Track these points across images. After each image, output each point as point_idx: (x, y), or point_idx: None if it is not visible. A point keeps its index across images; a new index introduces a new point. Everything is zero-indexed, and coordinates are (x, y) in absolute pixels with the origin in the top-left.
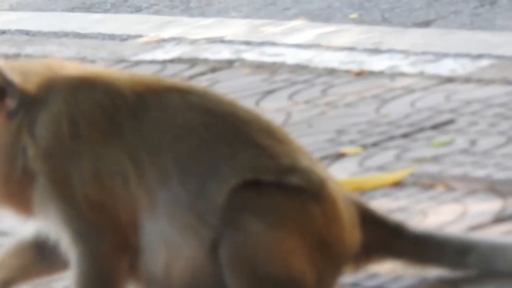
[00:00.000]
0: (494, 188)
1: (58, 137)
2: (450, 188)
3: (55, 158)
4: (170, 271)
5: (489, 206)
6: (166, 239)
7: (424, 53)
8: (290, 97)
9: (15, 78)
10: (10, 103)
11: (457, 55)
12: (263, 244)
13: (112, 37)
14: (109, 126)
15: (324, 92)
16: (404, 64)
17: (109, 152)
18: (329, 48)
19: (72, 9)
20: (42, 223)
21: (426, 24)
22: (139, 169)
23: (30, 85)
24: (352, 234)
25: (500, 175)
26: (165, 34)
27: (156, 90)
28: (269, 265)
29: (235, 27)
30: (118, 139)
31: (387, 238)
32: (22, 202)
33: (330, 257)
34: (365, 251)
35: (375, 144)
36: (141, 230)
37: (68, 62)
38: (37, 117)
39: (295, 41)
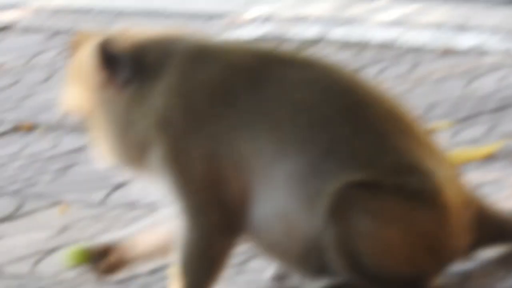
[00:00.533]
0: None
1: (176, 109)
2: None
3: (174, 130)
4: (285, 243)
5: None
6: (283, 212)
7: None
8: (378, 74)
9: (129, 47)
10: (123, 72)
11: None
12: (367, 241)
13: (196, 16)
14: (226, 100)
15: (411, 69)
16: (491, 42)
17: (226, 128)
18: (415, 26)
19: None
20: (158, 187)
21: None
22: (257, 144)
23: (147, 54)
24: (461, 238)
25: None
26: (251, 13)
27: (274, 63)
28: (370, 261)
29: (321, 5)
30: (235, 113)
31: (500, 230)
32: (139, 166)
33: (434, 259)
34: (476, 244)
35: (465, 119)
36: (256, 205)
37: (186, 32)
38: (154, 88)
39: (381, 19)
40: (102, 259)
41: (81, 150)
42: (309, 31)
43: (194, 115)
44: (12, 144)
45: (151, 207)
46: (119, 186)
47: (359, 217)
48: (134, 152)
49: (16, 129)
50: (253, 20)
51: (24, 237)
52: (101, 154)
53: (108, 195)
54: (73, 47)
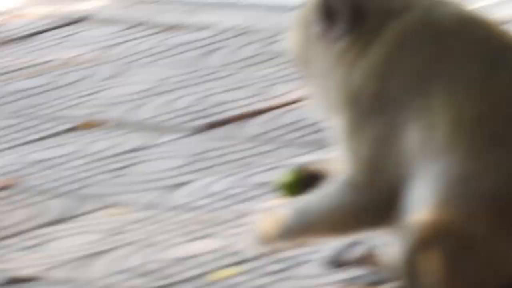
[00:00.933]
0: None
1: (369, 90)
2: None
3: (359, 106)
4: None
5: None
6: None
7: None
8: None
9: (348, 8)
10: (339, 28)
11: None
12: None
13: (274, 8)
14: (419, 89)
15: None
16: None
17: (408, 117)
18: None
19: None
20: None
21: None
22: (429, 134)
23: (371, 14)
24: None
25: None
26: None
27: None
28: None
29: None
30: (422, 102)
31: None
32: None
33: None
34: None
35: None
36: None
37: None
38: (362, 55)
39: None
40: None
41: (142, 149)
42: None
43: (384, 100)
44: (73, 143)
45: (204, 209)
46: (174, 188)
47: None
48: (329, 109)
49: (80, 127)
50: None
51: (75, 239)
52: (311, 103)
53: (162, 196)
54: None
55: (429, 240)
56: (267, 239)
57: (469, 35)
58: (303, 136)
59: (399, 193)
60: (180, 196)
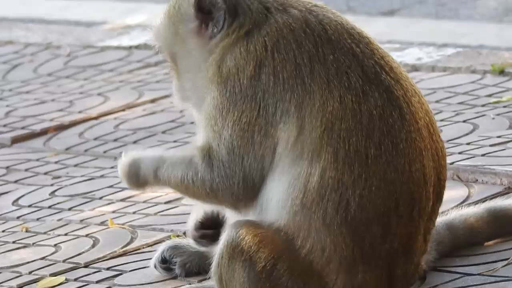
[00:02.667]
0: (459, 175)
1: (240, 73)
2: None
3: (226, 88)
4: None
5: (454, 193)
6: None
7: (389, 41)
8: None
9: (226, 2)
10: (215, 27)
11: (422, 44)
12: None
13: (78, 23)
14: (291, 81)
15: None
16: None
17: (274, 106)
18: None
19: None
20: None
21: (391, 13)
22: (301, 131)
23: (241, 14)
24: None
25: (465, 163)
26: (131, 21)
27: None
28: None
29: None
30: (296, 94)
31: None
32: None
33: None
34: None
35: None
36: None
37: (298, 0)
38: (233, 47)
39: None
40: None
41: None
42: None
43: (257, 87)
44: None
45: (26, 218)
46: None
47: None
48: (198, 96)
49: None
50: (133, 28)
51: None
52: (176, 92)
53: None
54: None
55: (241, 248)
56: (128, 183)
57: (349, 46)
58: (111, 149)
59: (254, 184)
60: (1, 206)
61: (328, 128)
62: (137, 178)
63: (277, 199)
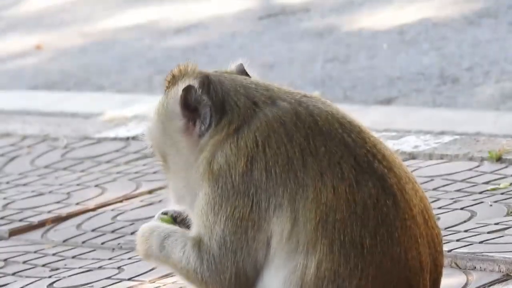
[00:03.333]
0: (457, 263)
1: (231, 170)
2: None
3: (217, 185)
4: None
5: (452, 281)
6: None
7: (386, 130)
8: None
9: (212, 99)
10: (202, 124)
11: (419, 132)
12: None
13: (75, 115)
14: (284, 176)
15: None
16: None
17: (267, 201)
18: None
19: (35, 87)
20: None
21: (388, 101)
22: (295, 227)
23: (229, 111)
24: None
25: (463, 250)
26: (128, 112)
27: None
28: None
29: None
30: (289, 188)
31: None
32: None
33: None
34: None
35: None
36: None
37: (287, 92)
38: (223, 144)
39: None
40: None
41: None
42: None
43: (250, 182)
44: None
45: None
46: None
47: None
48: (191, 193)
49: None
50: (130, 119)
51: None
52: (170, 193)
53: None
54: (170, 82)
55: None
56: (138, 250)
57: (340, 136)
58: (108, 240)
59: (247, 278)
60: None
61: (322, 220)
62: (145, 247)
63: None
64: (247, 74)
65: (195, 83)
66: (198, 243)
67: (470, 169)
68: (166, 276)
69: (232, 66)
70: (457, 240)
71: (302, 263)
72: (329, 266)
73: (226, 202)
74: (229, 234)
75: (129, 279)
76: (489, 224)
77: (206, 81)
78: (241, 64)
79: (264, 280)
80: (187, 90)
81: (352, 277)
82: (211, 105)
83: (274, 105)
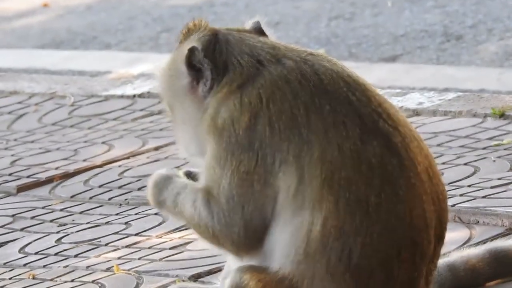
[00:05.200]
0: (460, 217)
1: (235, 124)
2: None
3: (222, 139)
4: None
5: (455, 235)
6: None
7: (390, 87)
8: None
9: (214, 60)
10: (204, 85)
11: (423, 89)
12: None
13: (82, 73)
14: (288, 132)
15: None
16: None
17: (273, 156)
18: None
19: (42, 46)
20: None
21: (392, 59)
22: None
23: (231, 70)
24: None
25: (466, 205)
26: (134, 70)
27: None
28: None
29: None
30: (293, 144)
31: None
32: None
33: None
34: None
35: None
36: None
37: (293, 50)
38: (227, 100)
39: None
40: None
41: None
42: None
43: (253, 137)
44: None
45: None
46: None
47: None
48: (199, 146)
49: None
50: (137, 77)
51: None
52: (179, 145)
53: None
54: (183, 36)
55: None
56: (149, 197)
57: (345, 95)
58: (115, 196)
59: (255, 232)
60: (8, 254)
61: (328, 178)
62: (158, 199)
63: (281, 248)
64: (263, 32)
65: (199, 44)
66: (208, 197)
67: (474, 125)
68: (173, 231)
69: (249, 23)
70: (461, 195)
71: (308, 219)
72: (335, 223)
73: (231, 156)
74: (236, 188)
75: (136, 234)
76: (492, 179)
77: (212, 41)
78: (258, 22)
79: (272, 235)
80: (191, 51)
81: (358, 234)
82: (213, 67)
83: (279, 63)
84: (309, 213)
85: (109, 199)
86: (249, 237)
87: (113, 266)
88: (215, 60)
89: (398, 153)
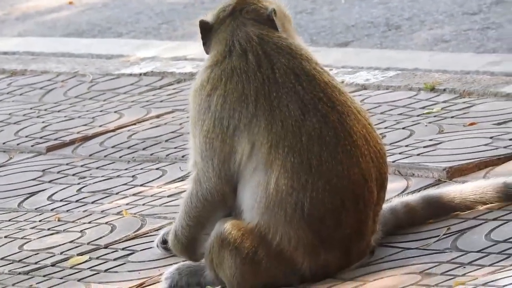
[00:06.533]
0: (399, 171)
1: (201, 90)
2: None
3: (196, 101)
4: None
5: (395, 185)
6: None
7: (344, 67)
8: None
9: (210, 36)
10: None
11: (370, 68)
12: None
13: (99, 56)
14: (237, 105)
15: None
16: None
17: (227, 121)
18: None
19: (68, 35)
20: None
21: (345, 44)
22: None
23: (214, 49)
24: None
25: (404, 161)
26: (141, 54)
27: None
28: None
29: (195, 49)
30: (243, 115)
31: None
32: None
33: None
34: None
35: None
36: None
37: (268, 42)
38: (203, 72)
39: None
40: None
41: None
42: (186, 68)
43: (211, 102)
44: None
45: (60, 210)
46: (33, 194)
47: None
48: None
49: None
50: (143, 60)
51: None
52: None
53: (25, 201)
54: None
55: (228, 240)
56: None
57: (292, 86)
58: (125, 154)
59: (229, 183)
60: (39, 201)
61: (274, 145)
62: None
63: (247, 203)
64: (273, 21)
65: (208, 18)
66: (195, 166)
67: (410, 97)
68: (170, 182)
69: (268, 10)
70: (400, 153)
71: (263, 178)
72: (285, 181)
73: (198, 117)
74: (204, 144)
75: (141, 185)
76: (424, 140)
77: (217, 21)
78: (272, 11)
79: (240, 191)
80: (201, 23)
81: (305, 190)
82: (204, 43)
83: (242, 57)
84: (263, 174)
85: (120, 157)
86: (225, 189)
87: (122, 211)
88: (206, 38)
89: (335, 127)
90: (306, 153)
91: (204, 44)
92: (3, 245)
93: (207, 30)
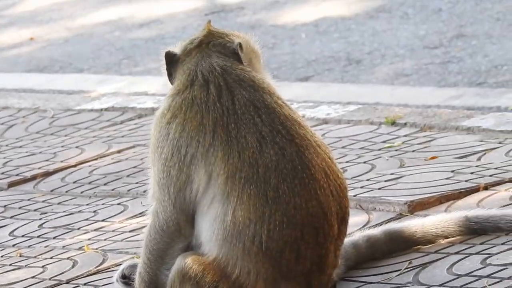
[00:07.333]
0: (361, 205)
1: (162, 118)
2: None
3: (156, 128)
4: None
5: (357, 219)
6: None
7: (305, 101)
8: None
9: (171, 68)
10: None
11: (331, 103)
12: None
13: (60, 91)
14: (195, 134)
15: None
16: None
17: (185, 149)
18: None
19: (29, 71)
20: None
21: (306, 79)
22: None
23: (177, 79)
24: None
25: (365, 195)
26: (102, 89)
27: None
28: None
29: (155, 84)
30: (201, 144)
31: None
32: None
33: None
34: None
35: None
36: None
37: (231, 74)
38: (166, 101)
39: None
40: None
41: None
42: (147, 103)
43: (169, 133)
44: None
45: (21, 245)
46: None
47: None
48: None
49: None
50: (104, 95)
51: None
52: None
53: None
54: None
55: (189, 275)
56: None
57: (251, 118)
58: (86, 190)
59: (185, 213)
60: (0, 237)
61: (230, 176)
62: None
63: (205, 235)
64: (238, 55)
65: (176, 50)
66: (153, 195)
67: (371, 131)
68: (132, 217)
69: (234, 44)
70: (361, 187)
71: (221, 210)
72: (242, 213)
73: (157, 144)
74: (162, 171)
75: (102, 220)
76: (385, 174)
77: (184, 52)
78: (237, 45)
79: (197, 223)
80: (166, 54)
81: (263, 222)
82: (172, 74)
83: (203, 87)
84: (221, 205)
85: (81, 192)
86: (180, 219)
87: (84, 246)
88: (172, 69)
89: (292, 160)
90: (263, 184)
91: (169, 75)
92: None
93: (173, 61)
